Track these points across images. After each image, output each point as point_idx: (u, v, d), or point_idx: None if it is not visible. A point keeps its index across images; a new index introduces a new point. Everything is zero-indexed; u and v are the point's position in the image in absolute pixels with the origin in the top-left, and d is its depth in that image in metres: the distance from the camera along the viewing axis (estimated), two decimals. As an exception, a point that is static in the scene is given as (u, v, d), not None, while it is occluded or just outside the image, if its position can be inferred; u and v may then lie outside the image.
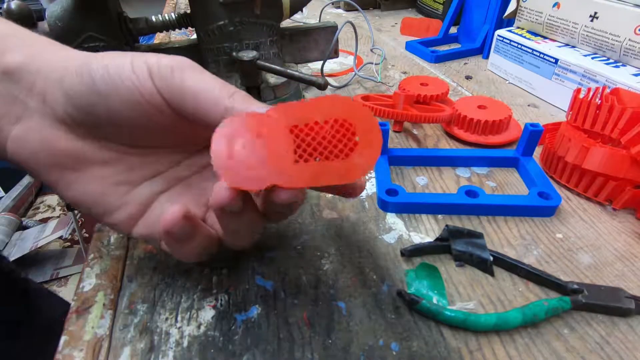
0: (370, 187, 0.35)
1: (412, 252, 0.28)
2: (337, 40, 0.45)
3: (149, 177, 0.22)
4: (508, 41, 0.52)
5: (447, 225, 0.29)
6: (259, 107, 0.18)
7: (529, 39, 0.50)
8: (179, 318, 0.24)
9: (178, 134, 0.22)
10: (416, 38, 0.67)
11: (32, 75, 0.19)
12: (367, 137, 0.16)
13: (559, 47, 0.47)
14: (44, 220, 1.28)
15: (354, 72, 0.54)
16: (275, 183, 0.16)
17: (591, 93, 0.33)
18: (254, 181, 0.16)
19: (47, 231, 1.18)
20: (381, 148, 0.17)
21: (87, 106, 0.19)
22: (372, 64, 0.59)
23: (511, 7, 0.53)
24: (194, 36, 0.41)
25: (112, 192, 0.21)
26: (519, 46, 0.50)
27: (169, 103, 0.19)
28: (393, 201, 0.31)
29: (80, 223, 1.10)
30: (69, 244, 1.24)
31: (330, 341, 0.23)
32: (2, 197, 1.29)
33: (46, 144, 0.20)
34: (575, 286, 0.25)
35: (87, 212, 0.21)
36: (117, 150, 0.21)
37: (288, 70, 0.38)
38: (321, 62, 0.47)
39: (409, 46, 0.64)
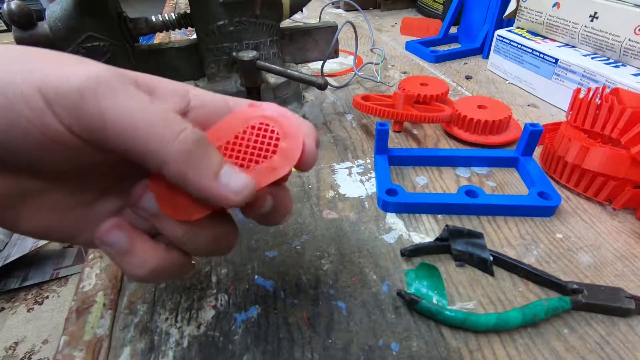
0: (370, 187, 0.35)
1: (412, 252, 0.28)
2: (337, 40, 0.45)
3: (103, 192, 0.19)
4: (508, 41, 0.52)
5: (447, 225, 0.29)
6: (222, 175, 0.16)
7: (529, 39, 0.50)
8: (179, 318, 0.24)
9: (106, 167, 0.19)
10: (416, 38, 0.67)
11: None
12: (282, 128, 0.18)
13: (559, 47, 0.47)
14: (44, 220, 1.28)
15: (354, 72, 0.54)
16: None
17: (591, 93, 0.33)
18: (196, 210, 0.17)
19: (47, 231, 1.18)
20: (301, 130, 0.18)
21: None
22: (372, 64, 0.59)
23: (511, 7, 0.53)
24: (194, 36, 0.41)
25: (65, 219, 0.18)
26: (519, 46, 0.50)
27: (86, 141, 0.14)
28: (393, 201, 0.31)
29: (80, 223, 1.10)
30: (68, 243, 1.24)
31: (330, 341, 0.23)
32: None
33: None
34: (575, 286, 0.25)
35: (52, 240, 0.19)
36: (50, 178, 0.17)
37: (288, 70, 0.38)
38: (321, 62, 0.47)
39: (409, 46, 0.64)
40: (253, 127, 0.18)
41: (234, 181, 0.15)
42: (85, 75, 0.13)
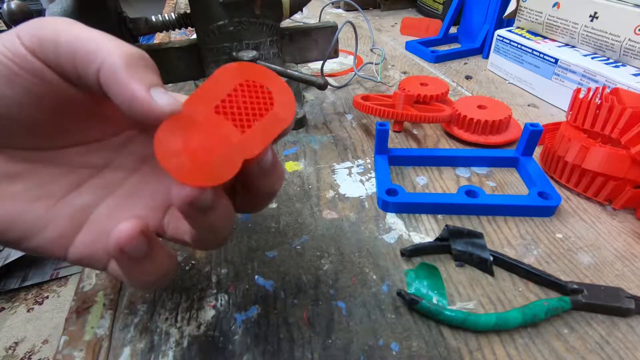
0: (370, 187, 0.35)
1: (412, 252, 0.28)
2: (337, 40, 0.45)
3: (74, 186, 0.19)
4: (508, 41, 0.52)
5: (447, 225, 0.29)
6: (154, 89, 0.15)
7: (529, 39, 0.50)
8: (179, 318, 0.24)
9: (87, 117, 0.18)
10: (416, 38, 0.67)
11: None
12: (272, 83, 0.17)
13: (559, 47, 0.47)
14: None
15: (354, 72, 0.54)
16: (244, 157, 0.16)
17: (591, 93, 0.33)
18: (226, 168, 0.16)
19: (47, 231, 1.18)
20: (287, 85, 0.18)
21: None
22: (372, 64, 0.59)
23: (511, 7, 0.53)
24: (194, 36, 0.41)
25: (30, 209, 0.17)
26: (519, 46, 0.50)
27: (44, 60, 0.15)
28: (393, 201, 0.31)
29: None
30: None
31: (330, 341, 0.23)
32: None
33: None
34: (575, 286, 0.25)
35: (7, 239, 0.17)
36: (24, 160, 0.17)
37: (288, 70, 0.38)
38: (321, 62, 0.47)
39: (409, 46, 0.64)
40: (242, 85, 0.17)
41: (162, 98, 0.15)
42: (50, 17, 0.16)
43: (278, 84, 0.17)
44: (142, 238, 0.16)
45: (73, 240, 0.18)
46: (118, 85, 0.15)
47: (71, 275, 1.17)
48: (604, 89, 0.34)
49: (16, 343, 1.03)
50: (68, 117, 0.17)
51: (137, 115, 0.15)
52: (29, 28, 0.15)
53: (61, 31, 0.15)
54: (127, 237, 0.15)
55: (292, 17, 0.55)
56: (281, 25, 0.42)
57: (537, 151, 0.39)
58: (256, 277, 0.27)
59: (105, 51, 0.15)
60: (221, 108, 0.16)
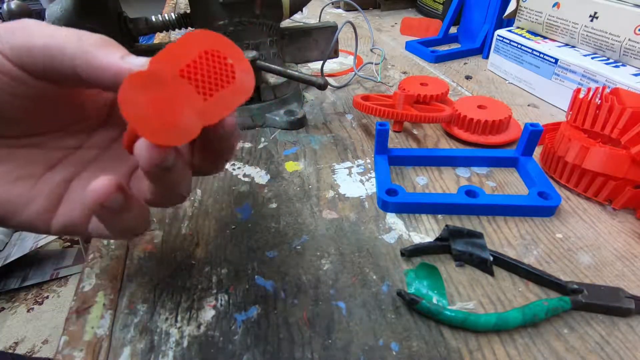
0: (370, 187, 0.35)
1: (412, 252, 0.28)
2: (337, 40, 0.45)
3: (51, 166, 0.21)
4: (508, 41, 0.52)
5: (447, 225, 0.29)
6: (128, 57, 0.17)
7: (528, 39, 0.50)
8: (179, 318, 0.24)
9: (63, 110, 0.20)
10: (416, 38, 0.67)
11: None
12: (234, 55, 0.18)
13: (559, 47, 0.47)
14: (44, 220, 1.28)
15: (354, 72, 0.54)
16: (204, 124, 0.17)
17: (591, 93, 0.33)
18: (186, 131, 0.16)
19: (47, 231, 1.18)
20: (248, 60, 0.18)
21: None
22: (372, 64, 0.59)
23: (511, 7, 0.53)
24: (194, 36, 0.41)
25: (11, 190, 0.19)
26: (519, 46, 0.50)
27: (21, 66, 0.17)
28: (393, 201, 0.31)
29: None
30: (69, 244, 1.24)
31: (330, 341, 0.23)
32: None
33: None
34: (575, 286, 0.25)
35: None
36: (5, 145, 0.19)
37: (288, 70, 0.38)
38: (321, 62, 0.47)
39: (409, 46, 0.64)
40: (207, 53, 0.17)
41: (136, 60, 0.17)
42: (21, 20, 0.17)
43: (240, 59, 0.18)
44: (117, 190, 0.17)
45: (55, 214, 0.20)
46: (94, 65, 0.16)
47: (71, 275, 1.17)
48: (604, 89, 0.34)
49: (16, 343, 1.03)
50: (43, 109, 0.19)
51: (119, 79, 0.16)
52: (2, 35, 0.17)
53: (32, 35, 0.17)
54: (105, 192, 0.16)
55: (292, 17, 0.55)
56: (281, 25, 0.42)
57: (537, 151, 0.39)
58: (256, 277, 0.27)
59: (74, 45, 0.16)
60: (185, 72, 0.17)
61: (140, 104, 0.15)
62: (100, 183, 0.16)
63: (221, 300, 0.25)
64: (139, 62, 0.17)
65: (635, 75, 0.40)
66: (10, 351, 0.99)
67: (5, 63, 0.17)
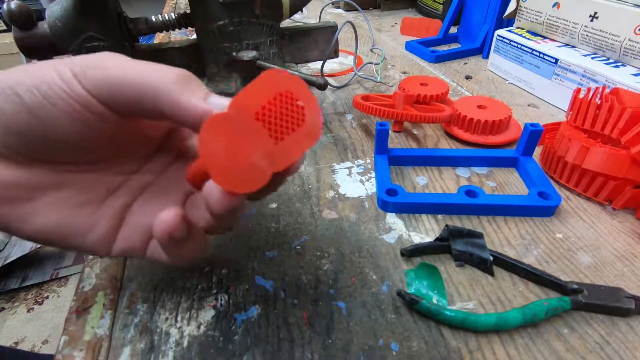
0: (370, 187, 0.35)
1: (412, 252, 0.28)
2: (337, 40, 0.45)
3: (111, 191, 0.21)
4: (508, 41, 0.52)
5: (447, 225, 0.29)
6: (210, 97, 0.17)
7: (528, 39, 0.50)
8: (179, 318, 0.24)
9: (127, 139, 0.21)
10: (416, 38, 0.67)
11: None
12: (305, 98, 0.18)
13: (559, 47, 0.47)
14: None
15: (354, 72, 0.54)
16: (274, 170, 0.17)
17: (591, 93, 0.33)
18: (258, 177, 0.17)
19: (47, 231, 1.18)
20: (317, 103, 0.19)
21: (21, 129, 0.17)
22: (372, 64, 0.59)
23: (511, 7, 0.53)
24: (194, 36, 0.41)
25: (76, 215, 0.19)
26: (519, 46, 0.50)
27: (102, 101, 0.17)
28: (393, 201, 0.31)
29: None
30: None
31: (330, 341, 0.23)
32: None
33: None
34: (575, 286, 0.25)
35: (53, 244, 0.19)
36: (68, 170, 0.19)
37: (288, 71, 0.38)
38: (321, 62, 0.47)
39: (409, 46, 0.64)
40: (281, 95, 0.17)
41: (217, 101, 0.17)
42: (95, 55, 0.17)
43: (310, 100, 0.18)
44: (184, 222, 0.18)
45: (115, 238, 0.21)
46: (179, 106, 0.17)
47: (71, 275, 1.17)
48: (604, 89, 0.34)
49: (16, 343, 1.03)
50: (108, 139, 0.19)
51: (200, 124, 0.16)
52: (83, 67, 0.17)
53: (111, 69, 0.17)
54: (172, 224, 0.17)
55: (292, 17, 0.55)
56: (281, 25, 0.42)
57: (537, 151, 0.39)
58: (256, 277, 0.27)
59: (157, 82, 0.17)
60: (260, 115, 0.17)
61: (218, 149, 0.16)
62: (167, 215, 0.17)
63: (221, 300, 0.25)
64: (220, 104, 0.17)
65: (635, 75, 0.40)
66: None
67: (89, 98, 0.17)
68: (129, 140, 0.21)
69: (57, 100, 0.16)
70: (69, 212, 0.19)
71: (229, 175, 0.16)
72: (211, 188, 0.16)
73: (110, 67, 0.17)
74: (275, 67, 0.18)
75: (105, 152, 0.20)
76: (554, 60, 0.46)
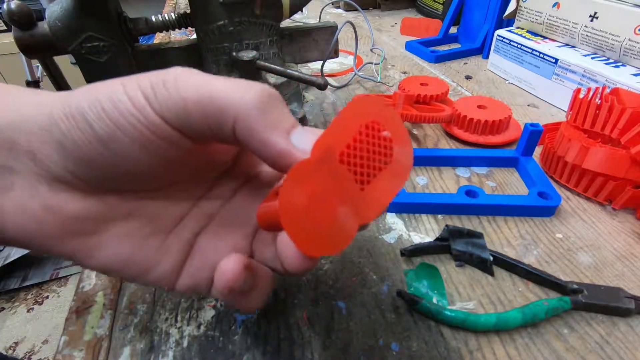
0: (370, 187, 0.35)
1: (412, 252, 0.28)
2: (337, 40, 0.45)
3: (177, 220, 0.19)
4: (508, 41, 0.52)
5: (447, 225, 0.29)
6: (294, 134, 0.15)
7: (529, 39, 0.50)
8: (179, 318, 0.24)
9: (196, 164, 0.19)
10: (416, 38, 0.67)
11: (5, 132, 0.15)
12: (394, 127, 0.16)
13: (559, 47, 0.47)
14: (44, 220, 1.28)
15: (354, 72, 0.54)
16: (360, 224, 0.15)
17: (591, 93, 0.33)
18: (343, 237, 0.14)
19: (47, 231, 1.18)
20: (407, 131, 0.16)
21: (89, 157, 0.15)
22: (372, 64, 0.59)
23: (511, 7, 0.53)
24: (194, 36, 0.41)
25: (144, 247, 0.18)
26: (519, 46, 0.50)
27: (177, 128, 0.15)
28: (393, 201, 0.31)
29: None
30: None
31: (330, 341, 0.23)
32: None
33: (50, 212, 0.16)
34: (575, 286, 0.25)
35: (120, 276, 0.18)
36: (135, 199, 0.18)
37: (288, 70, 0.38)
38: (321, 62, 0.47)
39: (409, 46, 0.64)
40: (367, 128, 0.15)
41: (305, 142, 0.14)
42: (164, 72, 0.15)
43: (399, 131, 0.16)
44: (247, 273, 0.16)
45: (181, 273, 0.19)
46: (257, 139, 0.15)
47: (71, 275, 1.17)
48: (604, 89, 0.34)
49: (16, 343, 1.03)
50: (181, 165, 0.18)
51: (280, 166, 0.15)
52: (155, 87, 0.15)
53: (186, 91, 0.15)
54: (233, 277, 0.16)
55: (292, 17, 0.55)
56: (281, 25, 0.42)
57: (537, 151, 0.39)
58: (256, 277, 0.27)
59: (236, 105, 0.14)
60: (345, 156, 0.15)
61: (299, 206, 0.14)
62: (228, 266, 0.16)
63: (221, 301, 0.25)
64: (305, 146, 0.15)
65: (635, 75, 0.40)
66: (10, 352, 0.99)
67: (163, 126, 0.15)
68: (198, 165, 0.19)
69: (129, 129, 0.15)
70: (136, 245, 0.18)
71: (309, 238, 0.14)
72: (287, 245, 0.15)
73: (183, 87, 0.15)
74: (359, 97, 0.15)
75: (173, 177, 0.19)
76: (554, 60, 0.46)
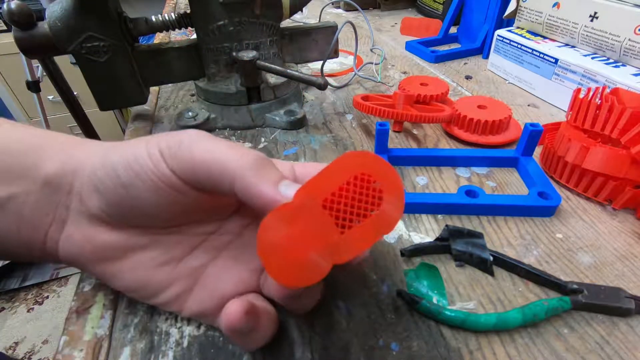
0: (370, 187, 0.35)
1: (412, 252, 0.28)
2: (337, 40, 0.45)
3: (189, 251, 0.22)
4: (508, 41, 0.52)
5: (447, 225, 0.29)
6: (281, 185, 0.17)
7: (529, 39, 0.50)
8: (179, 318, 0.24)
9: (206, 208, 0.22)
10: (416, 38, 0.67)
11: (68, 178, 0.20)
12: (386, 179, 0.17)
13: (559, 47, 0.47)
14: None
15: (354, 72, 0.54)
16: (334, 262, 0.16)
17: (591, 93, 0.33)
18: (314, 273, 0.16)
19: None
20: (402, 185, 0.17)
21: (116, 199, 0.19)
22: (372, 64, 0.59)
23: (511, 7, 0.53)
24: (194, 36, 0.41)
25: (157, 273, 0.21)
26: (519, 46, 0.50)
27: (185, 181, 0.19)
28: (393, 201, 0.31)
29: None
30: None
31: (330, 341, 0.23)
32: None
33: (88, 241, 0.20)
34: (575, 286, 0.25)
35: (138, 296, 0.22)
36: (152, 233, 0.21)
37: (288, 70, 0.38)
38: (321, 62, 0.47)
39: (409, 46, 0.64)
40: (355, 179, 0.16)
41: (291, 190, 0.17)
42: (183, 134, 0.19)
43: (392, 182, 0.17)
44: (249, 317, 0.19)
45: (188, 298, 0.22)
46: (250, 192, 0.17)
47: (71, 275, 1.17)
48: (604, 89, 0.34)
49: (16, 343, 1.03)
50: (191, 210, 0.21)
51: (269, 210, 0.17)
52: (171, 148, 0.19)
53: (195, 152, 0.18)
54: (236, 319, 0.18)
55: (292, 17, 0.55)
56: (281, 25, 0.42)
57: (537, 151, 0.39)
58: (256, 277, 0.27)
59: (235, 165, 0.18)
60: (329, 202, 0.16)
61: (275, 242, 0.15)
62: (232, 308, 0.18)
63: (221, 300, 0.25)
64: (289, 195, 0.17)
65: (635, 75, 0.40)
66: (10, 352, 0.99)
67: (173, 178, 0.19)
68: (206, 210, 0.22)
69: (146, 179, 0.19)
70: (150, 271, 0.21)
71: (282, 270, 0.15)
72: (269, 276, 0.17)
73: (196, 150, 0.18)
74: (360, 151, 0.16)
75: (184, 219, 0.22)
76: (554, 60, 0.46)
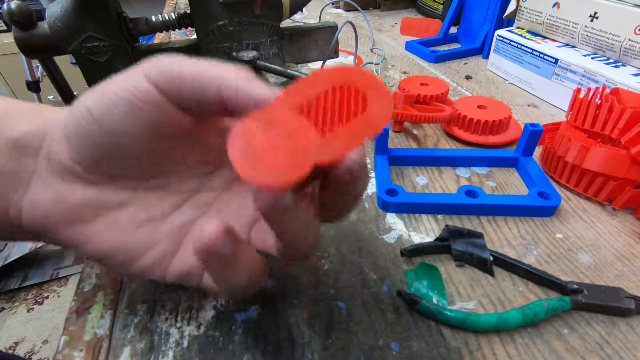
0: (370, 187, 0.35)
1: (412, 252, 0.28)
2: (337, 40, 0.45)
3: (172, 210, 0.20)
4: (508, 41, 0.52)
5: (447, 225, 0.29)
6: (264, 92, 0.17)
7: (528, 39, 0.50)
8: (179, 318, 0.24)
9: (185, 150, 0.20)
10: (416, 38, 0.67)
11: (37, 139, 0.18)
12: (374, 89, 0.16)
13: (559, 47, 0.47)
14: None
15: (354, 72, 0.54)
16: (315, 161, 0.15)
17: (591, 93, 0.33)
18: (292, 169, 0.14)
19: (47, 231, 1.18)
20: (387, 88, 0.16)
21: (88, 141, 0.17)
22: (372, 64, 0.59)
23: (511, 7, 0.53)
24: (194, 36, 0.41)
25: (136, 234, 0.19)
26: (519, 46, 0.50)
27: (168, 95, 0.17)
28: (393, 201, 0.31)
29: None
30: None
31: (330, 341, 0.23)
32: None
33: (59, 201, 0.18)
34: (575, 286, 0.25)
35: (114, 263, 0.19)
36: (131, 188, 0.19)
37: (288, 70, 0.38)
38: (321, 62, 0.47)
39: (409, 46, 0.64)
40: (335, 89, 0.16)
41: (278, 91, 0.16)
42: (173, 56, 0.17)
43: (378, 90, 0.16)
44: (227, 237, 0.16)
45: (172, 260, 0.20)
46: (241, 92, 0.16)
47: (71, 275, 1.17)
48: (604, 89, 0.34)
49: (16, 343, 1.03)
50: (174, 146, 0.19)
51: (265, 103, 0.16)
52: (157, 67, 0.17)
53: (185, 67, 0.17)
54: (212, 237, 0.15)
55: (292, 17, 0.55)
56: (281, 25, 0.42)
57: (537, 151, 0.39)
58: (256, 277, 0.27)
59: (222, 74, 0.17)
60: (306, 109, 0.15)
61: (248, 143, 0.15)
62: (208, 226, 0.15)
63: (221, 300, 0.25)
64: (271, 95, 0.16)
65: (635, 75, 0.40)
66: (10, 352, 0.99)
67: (153, 91, 0.17)
68: (191, 153, 0.20)
69: (121, 103, 0.17)
70: (127, 233, 0.19)
71: (255, 169, 0.14)
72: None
73: (186, 65, 0.17)
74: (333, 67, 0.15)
75: (165, 165, 0.20)
76: (554, 60, 0.46)
